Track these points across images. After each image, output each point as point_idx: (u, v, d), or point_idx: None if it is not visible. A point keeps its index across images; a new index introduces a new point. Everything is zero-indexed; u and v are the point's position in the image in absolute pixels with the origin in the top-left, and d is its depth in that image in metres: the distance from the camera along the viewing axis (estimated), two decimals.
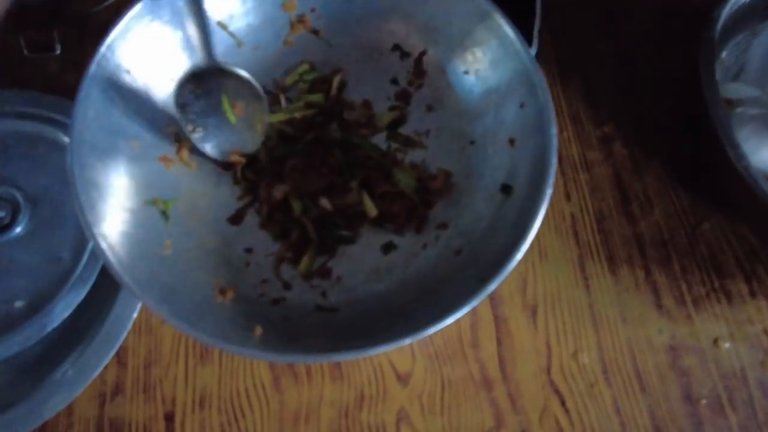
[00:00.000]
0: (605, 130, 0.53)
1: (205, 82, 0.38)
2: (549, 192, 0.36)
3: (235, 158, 0.41)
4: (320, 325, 0.37)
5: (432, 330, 0.32)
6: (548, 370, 0.45)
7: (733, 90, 0.51)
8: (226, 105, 0.38)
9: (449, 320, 0.33)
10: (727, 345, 0.47)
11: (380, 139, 0.46)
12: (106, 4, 0.55)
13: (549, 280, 0.48)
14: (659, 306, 0.47)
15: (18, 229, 0.43)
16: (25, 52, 0.52)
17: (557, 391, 0.44)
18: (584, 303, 0.47)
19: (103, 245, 0.32)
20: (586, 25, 0.57)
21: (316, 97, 0.43)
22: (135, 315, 0.43)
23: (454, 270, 0.38)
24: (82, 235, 0.44)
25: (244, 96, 0.39)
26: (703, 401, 0.45)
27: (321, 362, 0.33)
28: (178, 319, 0.30)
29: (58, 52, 0.52)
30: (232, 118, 0.38)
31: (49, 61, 0.53)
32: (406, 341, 0.32)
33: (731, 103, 0.52)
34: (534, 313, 0.47)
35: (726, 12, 0.48)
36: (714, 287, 0.49)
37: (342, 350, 0.32)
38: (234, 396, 0.43)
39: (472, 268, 0.37)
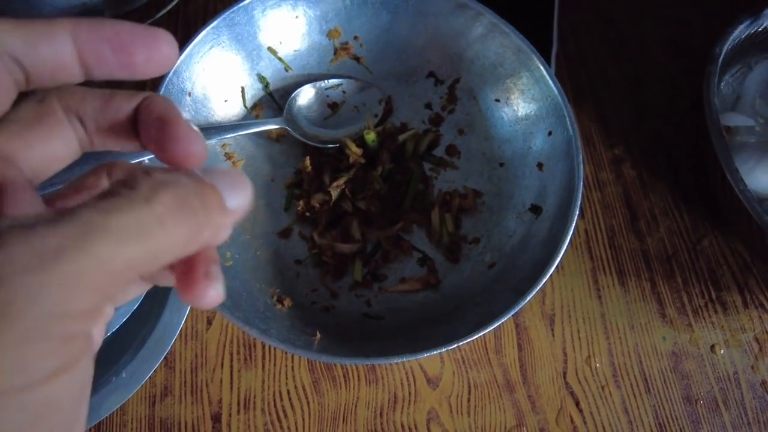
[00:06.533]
0: (616, 152, 0.58)
1: None
2: (576, 213, 0.40)
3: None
4: (370, 331, 0.40)
5: (474, 336, 0.36)
6: (564, 374, 0.49)
7: (730, 119, 0.56)
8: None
9: (488, 328, 0.36)
10: (722, 351, 0.51)
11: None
12: (145, 24, 0.57)
13: (565, 292, 0.51)
14: (663, 315, 0.52)
15: None
16: None
17: (572, 393, 0.48)
18: (597, 312, 0.51)
19: None
20: (599, 52, 0.61)
21: (371, 138, 0.47)
22: (182, 322, 0.46)
23: (489, 282, 0.42)
24: None
25: None
26: (701, 402, 0.49)
27: (378, 363, 0.37)
28: (251, 327, 0.34)
29: None
30: None
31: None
32: (453, 345, 0.35)
33: (729, 131, 0.57)
34: (552, 321, 0.50)
35: (726, 47, 0.53)
36: (711, 298, 0.53)
37: (393, 354, 0.35)
38: (277, 398, 0.46)
39: (506, 281, 0.41)
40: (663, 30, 0.63)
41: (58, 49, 0.16)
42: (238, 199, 0.17)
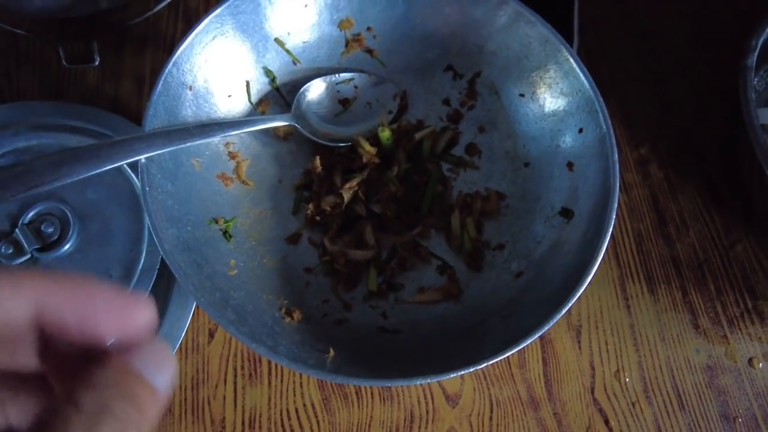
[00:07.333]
0: (641, 152, 0.55)
1: None
2: (613, 217, 0.36)
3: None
4: (387, 346, 0.37)
5: (502, 356, 0.32)
6: (592, 390, 0.46)
7: (765, 115, 0.53)
8: None
9: (518, 347, 0.33)
10: (761, 365, 0.48)
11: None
12: (144, 16, 0.54)
13: (592, 301, 0.49)
14: (696, 326, 0.49)
15: (67, 246, 0.42)
16: (64, 63, 0.51)
17: (601, 410, 0.45)
18: (625, 323, 0.48)
19: (179, 272, 0.31)
20: (622, 47, 0.59)
21: (386, 135, 0.44)
22: (182, 335, 0.43)
23: (517, 293, 0.39)
24: (131, 252, 0.43)
25: None
26: (740, 419, 0.46)
27: (398, 385, 0.34)
28: (258, 344, 0.30)
29: (97, 63, 0.52)
30: None
31: (88, 73, 0.52)
32: (480, 365, 0.32)
33: (763, 128, 0.53)
34: (578, 333, 0.47)
35: (761, 40, 0.50)
36: (747, 308, 0.50)
37: (414, 373, 0.32)
38: (284, 417, 0.43)
39: (536, 292, 0.38)
40: (687, 23, 0.61)
41: (11, 312, 0.15)
42: (165, 380, 0.17)
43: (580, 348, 0.47)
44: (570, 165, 0.41)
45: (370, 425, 0.43)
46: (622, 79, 0.57)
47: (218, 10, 0.39)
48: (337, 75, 0.45)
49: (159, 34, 0.55)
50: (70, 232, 0.42)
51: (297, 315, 0.37)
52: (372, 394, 0.44)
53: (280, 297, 0.38)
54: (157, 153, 0.34)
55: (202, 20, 0.38)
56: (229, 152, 0.42)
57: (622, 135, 0.55)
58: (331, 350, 0.34)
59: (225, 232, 0.39)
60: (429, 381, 0.31)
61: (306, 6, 0.43)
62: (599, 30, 0.59)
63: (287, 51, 0.45)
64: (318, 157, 0.43)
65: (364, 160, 0.42)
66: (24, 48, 0.53)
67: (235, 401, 0.43)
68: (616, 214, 0.51)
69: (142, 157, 0.34)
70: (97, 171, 0.33)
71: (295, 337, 0.35)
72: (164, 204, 0.35)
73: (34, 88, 0.52)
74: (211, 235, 0.38)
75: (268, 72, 0.44)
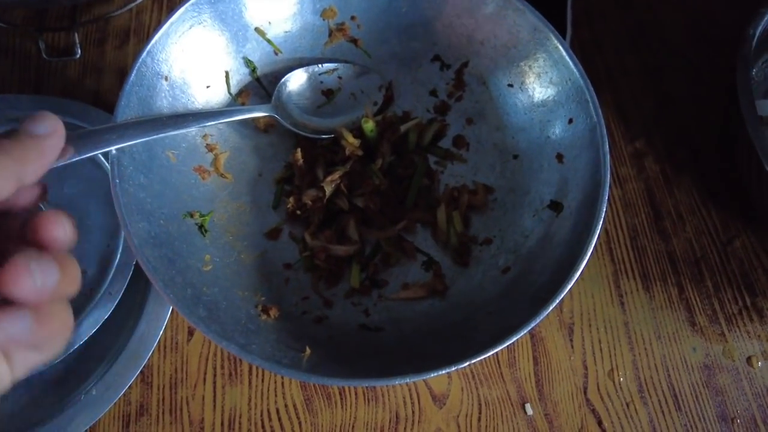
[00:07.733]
0: (637, 146, 0.53)
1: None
2: (604, 209, 0.35)
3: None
4: (368, 345, 0.35)
5: (488, 353, 0.31)
6: (585, 390, 0.45)
7: (764, 107, 0.51)
8: None
9: (504, 344, 0.31)
10: (760, 363, 0.47)
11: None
12: (127, 7, 0.53)
13: (585, 298, 0.48)
14: (693, 324, 0.48)
15: None
16: (44, 55, 0.50)
17: (594, 411, 0.44)
18: (619, 321, 0.47)
19: (147, 266, 0.30)
20: (617, 40, 0.58)
21: (369, 127, 0.42)
22: (161, 333, 0.42)
23: (504, 289, 0.37)
24: (108, 248, 0.42)
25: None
26: (738, 420, 0.45)
27: (377, 385, 0.32)
28: (229, 342, 0.29)
29: (78, 55, 0.51)
30: None
31: (69, 65, 0.51)
32: (464, 364, 0.31)
33: (762, 120, 0.52)
34: (570, 331, 0.46)
35: (759, 30, 0.49)
36: (746, 305, 0.49)
37: (396, 373, 0.30)
38: (265, 418, 0.42)
39: (523, 287, 0.36)
40: (684, 16, 0.60)
41: None
42: (43, 124, 0.23)
43: (572, 346, 0.46)
44: (559, 157, 0.40)
45: (353, 426, 0.42)
46: (618, 73, 0.56)
47: None
48: (320, 65, 0.44)
49: (142, 26, 0.54)
50: None
51: (274, 312, 0.36)
52: (356, 394, 0.42)
53: (257, 293, 0.37)
54: (128, 144, 0.33)
55: (178, 9, 0.37)
56: (207, 144, 0.41)
57: (617, 129, 0.54)
58: (308, 349, 0.32)
59: (201, 227, 0.38)
60: (411, 380, 0.30)
61: None
62: (593, 23, 0.58)
63: (268, 41, 0.43)
64: (299, 150, 0.42)
65: (347, 152, 0.41)
66: (3, 40, 0.52)
67: (215, 401, 0.42)
68: (610, 209, 0.51)
69: (112, 149, 0.33)
70: (63, 162, 0.32)
71: (271, 335, 0.33)
72: (136, 197, 0.34)
73: (12, 81, 0.51)
74: (185, 229, 0.36)
75: (248, 62, 0.43)
